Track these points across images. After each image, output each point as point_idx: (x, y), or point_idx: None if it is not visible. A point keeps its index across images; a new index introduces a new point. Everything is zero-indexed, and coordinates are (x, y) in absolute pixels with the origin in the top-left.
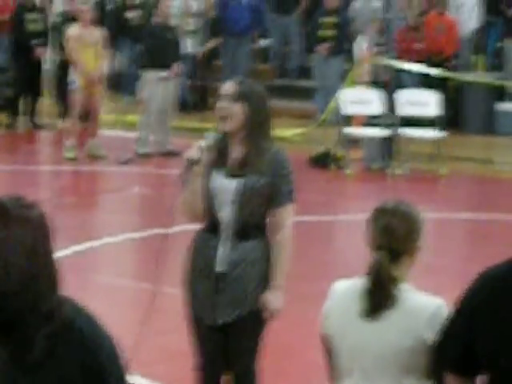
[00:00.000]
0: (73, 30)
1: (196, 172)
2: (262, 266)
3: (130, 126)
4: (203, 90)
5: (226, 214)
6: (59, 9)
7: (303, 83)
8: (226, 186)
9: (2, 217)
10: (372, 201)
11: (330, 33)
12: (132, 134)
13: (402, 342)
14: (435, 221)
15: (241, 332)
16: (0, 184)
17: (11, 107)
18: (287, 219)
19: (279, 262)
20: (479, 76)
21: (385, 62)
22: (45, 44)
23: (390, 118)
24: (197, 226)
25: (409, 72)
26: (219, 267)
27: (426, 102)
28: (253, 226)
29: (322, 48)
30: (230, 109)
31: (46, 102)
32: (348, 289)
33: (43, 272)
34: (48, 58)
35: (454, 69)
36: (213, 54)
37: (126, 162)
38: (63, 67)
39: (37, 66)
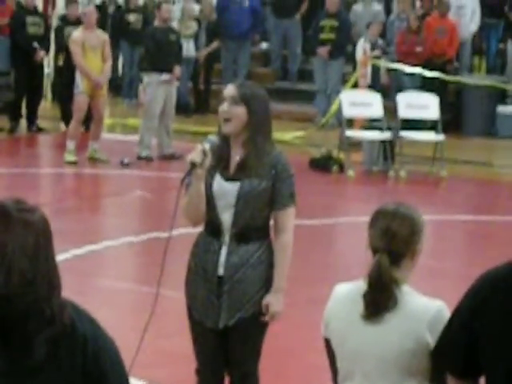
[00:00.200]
0: (76, 34)
1: (199, 175)
2: (264, 269)
3: (131, 130)
4: (204, 93)
5: (227, 217)
6: (61, 12)
7: (303, 86)
8: (227, 189)
9: (3, 220)
10: (373, 203)
11: (330, 36)
12: (132, 138)
13: (403, 345)
14: (436, 223)
15: (242, 335)
16: (1, 187)
17: (12, 111)
18: (288, 222)
19: (280, 265)
20: (480, 78)
21: (385, 64)
22: (46, 47)
23: (390, 121)
24: (198, 229)
25: (409, 75)
26: (221, 270)
27: (427, 105)
28: (254, 229)
29: (323, 51)
30: (231, 111)
31: (48, 106)
32: (349, 292)
33: (45, 275)
34: (49, 61)
35: (455, 71)
36: (213, 58)
37: (127, 164)
38: (65, 71)
39: (38, 69)
